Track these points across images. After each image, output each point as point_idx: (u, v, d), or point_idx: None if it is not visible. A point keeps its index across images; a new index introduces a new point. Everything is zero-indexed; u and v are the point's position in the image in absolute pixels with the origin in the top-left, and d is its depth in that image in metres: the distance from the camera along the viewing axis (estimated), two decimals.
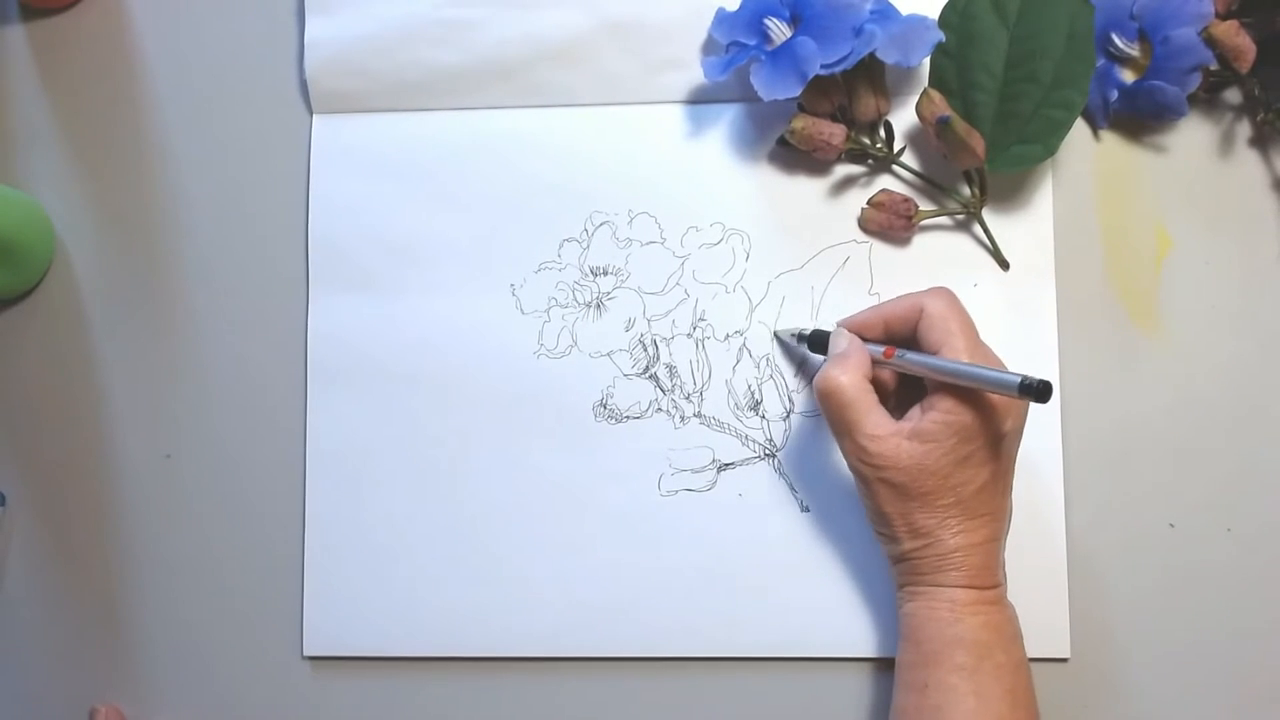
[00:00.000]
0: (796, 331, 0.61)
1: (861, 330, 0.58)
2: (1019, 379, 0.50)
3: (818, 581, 0.61)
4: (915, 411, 0.55)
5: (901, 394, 0.58)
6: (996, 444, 0.53)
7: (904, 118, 0.62)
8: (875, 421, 0.54)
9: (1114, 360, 0.61)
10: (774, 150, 0.63)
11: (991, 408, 0.53)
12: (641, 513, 0.62)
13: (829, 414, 0.56)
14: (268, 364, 0.64)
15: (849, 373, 0.55)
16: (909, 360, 0.55)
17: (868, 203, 0.62)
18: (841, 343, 0.58)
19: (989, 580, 0.54)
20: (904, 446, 0.53)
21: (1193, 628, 0.60)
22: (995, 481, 0.54)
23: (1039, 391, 0.50)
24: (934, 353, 0.54)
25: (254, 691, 0.63)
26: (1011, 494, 0.56)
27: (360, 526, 0.63)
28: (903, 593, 0.56)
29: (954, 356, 0.54)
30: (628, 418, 0.62)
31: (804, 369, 0.62)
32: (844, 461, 0.56)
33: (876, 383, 0.57)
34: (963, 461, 0.53)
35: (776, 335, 0.62)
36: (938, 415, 0.53)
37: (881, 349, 0.56)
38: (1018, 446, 0.55)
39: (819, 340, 0.60)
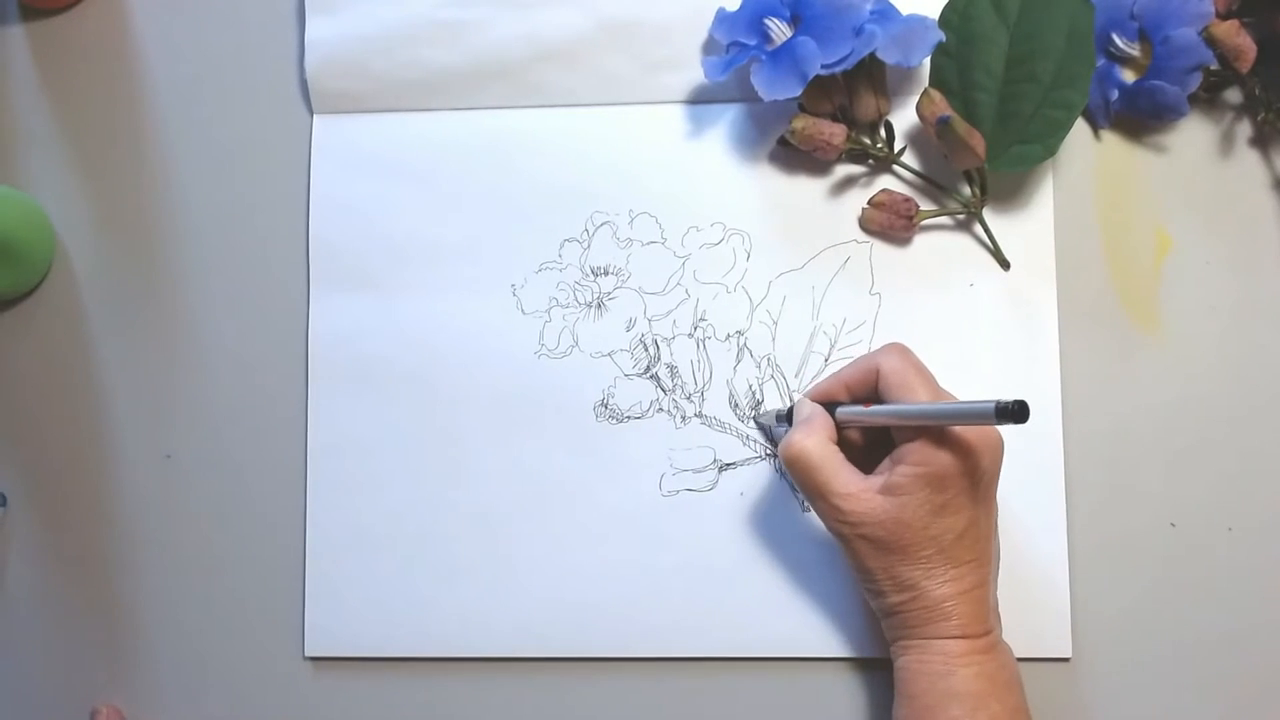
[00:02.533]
0: (774, 412, 0.61)
1: (827, 397, 0.58)
2: (994, 404, 0.48)
3: (819, 581, 0.61)
4: (885, 464, 0.54)
5: (870, 452, 0.57)
6: (972, 489, 0.53)
7: (904, 118, 0.62)
8: (845, 480, 0.54)
9: (1114, 360, 0.61)
10: (774, 150, 0.63)
11: (964, 450, 0.52)
12: (642, 513, 0.62)
13: (799, 479, 0.55)
14: (268, 364, 0.64)
15: (812, 435, 0.55)
16: (880, 413, 0.54)
17: (868, 203, 0.62)
18: (805, 410, 0.57)
19: (980, 628, 0.54)
20: (877, 501, 0.53)
21: (1194, 627, 0.60)
22: (975, 526, 0.53)
23: (1015, 413, 0.48)
24: None
25: (255, 692, 0.63)
26: (997, 536, 0.56)
27: (361, 527, 0.63)
28: (895, 647, 0.56)
29: None
30: (629, 418, 0.62)
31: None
32: None
33: (845, 444, 0.56)
34: (939, 510, 0.53)
35: (756, 421, 0.62)
36: (907, 467, 0.53)
37: (859, 407, 0.56)
38: (995, 488, 0.55)
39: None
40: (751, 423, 0.62)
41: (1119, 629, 0.60)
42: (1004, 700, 0.53)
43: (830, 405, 0.57)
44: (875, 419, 0.55)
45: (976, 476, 0.53)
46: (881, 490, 0.53)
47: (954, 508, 0.53)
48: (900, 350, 0.56)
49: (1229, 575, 0.60)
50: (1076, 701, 0.60)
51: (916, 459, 0.52)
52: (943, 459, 0.52)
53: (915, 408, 0.53)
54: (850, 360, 0.59)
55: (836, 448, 0.55)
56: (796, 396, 0.62)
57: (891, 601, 0.54)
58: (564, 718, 0.62)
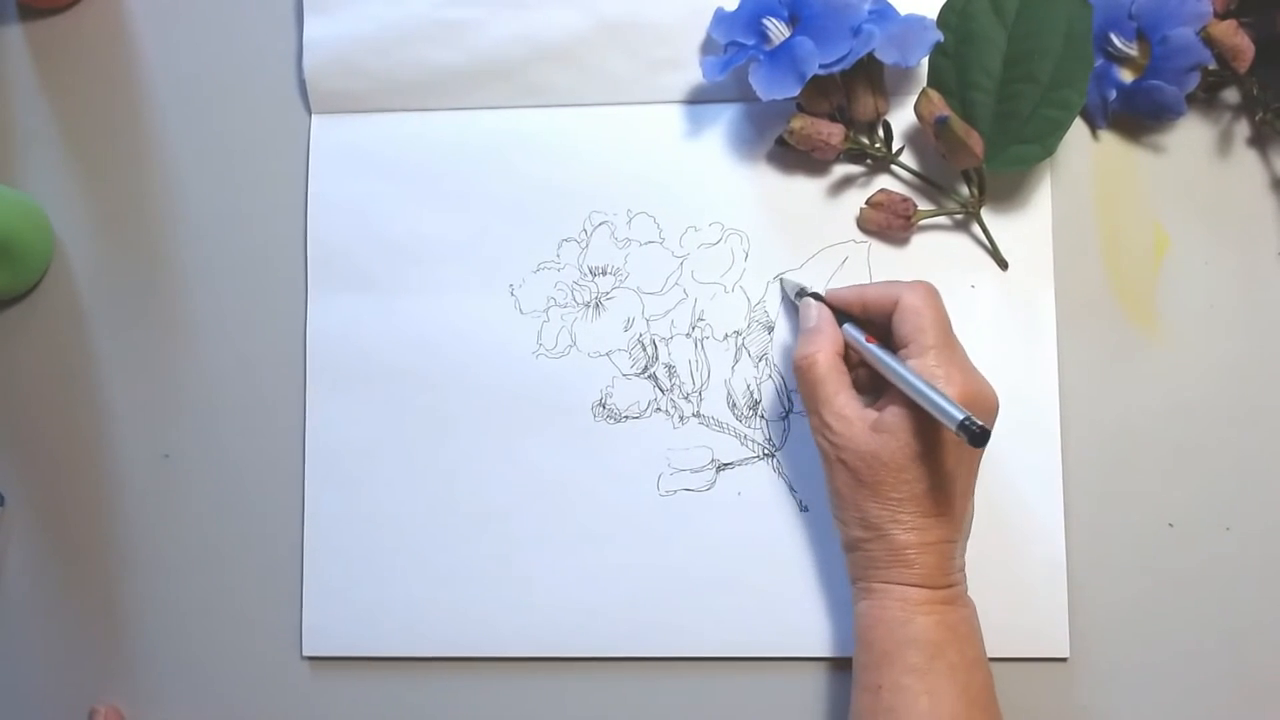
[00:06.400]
0: (799, 289, 0.61)
1: (840, 306, 0.58)
2: (961, 417, 0.49)
3: (817, 581, 0.61)
4: (883, 401, 0.55)
5: (873, 377, 0.58)
6: (955, 447, 0.53)
7: (903, 118, 0.62)
8: (844, 402, 0.55)
9: (1112, 359, 0.61)
10: (772, 150, 0.63)
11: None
12: (640, 512, 0.62)
13: (802, 388, 0.57)
14: (267, 364, 0.64)
15: (825, 350, 0.56)
16: (874, 354, 0.55)
17: (866, 202, 0.62)
18: (811, 314, 0.58)
19: (942, 580, 0.54)
20: (865, 433, 0.54)
21: (1192, 627, 0.60)
22: (950, 483, 0.54)
23: (974, 435, 0.48)
24: (903, 346, 0.55)
25: (253, 692, 0.63)
26: (972, 500, 0.56)
27: (359, 526, 0.63)
28: (856, 589, 0.56)
29: (920, 353, 0.54)
30: (627, 418, 0.62)
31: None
32: None
33: (850, 364, 0.58)
34: (917, 458, 0.53)
35: (781, 281, 0.62)
36: (898, 409, 0.53)
37: (861, 337, 0.56)
38: (979, 457, 0.55)
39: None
40: (749, 419, 0.62)
41: (1117, 629, 0.60)
42: (963, 651, 0.53)
43: (839, 313, 0.58)
44: (868, 356, 0.56)
45: (957, 439, 0.53)
46: (872, 425, 0.54)
47: (932, 459, 0.53)
48: (926, 290, 0.56)
49: (1227, 575, 0.60)
50: (1074, 701, 0.60)
51: (908, 403, 0.53)
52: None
53: (902, 370, 0.53)
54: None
55: (844, 365, 0.57)
56: (796, 396, 0.62)
57: (855, 535, 0.55)
58: (561, 717, 0.62)
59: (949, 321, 0.56)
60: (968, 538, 0.56)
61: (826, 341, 0.57)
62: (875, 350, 0.55)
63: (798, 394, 0.62)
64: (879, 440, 0.53)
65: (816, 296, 0.60)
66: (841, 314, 0.58)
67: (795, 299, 0.61)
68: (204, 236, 0.65)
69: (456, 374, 0.63)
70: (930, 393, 0.51)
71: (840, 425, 0.55)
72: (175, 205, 0.65)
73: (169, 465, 0.64)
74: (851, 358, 0.58)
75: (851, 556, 0.56)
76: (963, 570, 0.56)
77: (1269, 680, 0.59)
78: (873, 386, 0.58)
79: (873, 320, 0.57)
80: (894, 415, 0.53)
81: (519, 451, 0.62)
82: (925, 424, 0.53)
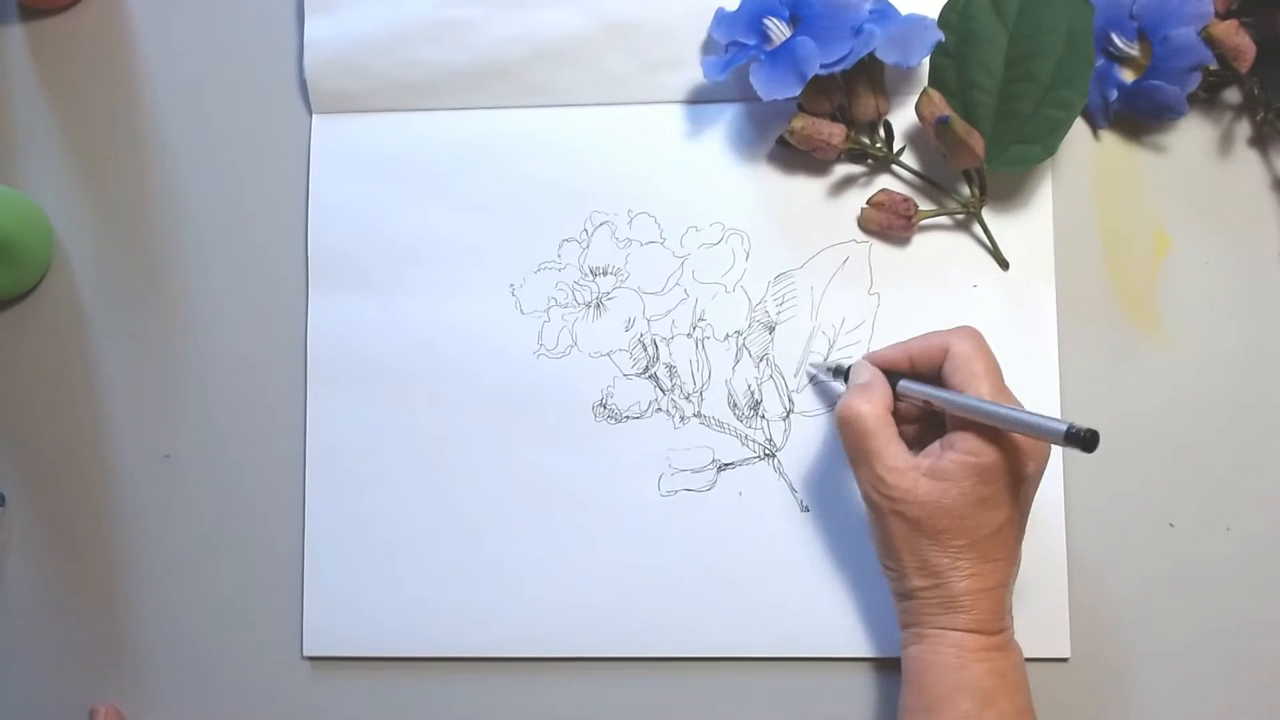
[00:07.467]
0: (830, 366, 0.61)
1: (888, 365, 0.57)
2: (1066, 426, 0.48)
3: (817, 581, 0.61)
4: (935, 448, 0.54)
5: (922, 432, 0.57)
6: (1016, 487, 0.53)
7: (903, 117, 0.62)
8: (894, 453, 0.54)
9: (1113, 360, 0.61)
10: (773, 150, 0.63)
11: (1014, 450, 0.52)
12: (641, 513, 0.62)
13: (848, 443, 0.55)
14: (267, 364, 0.64)
15: (871, 402, 0.55)
16: (946, 399, 0.54)
17: (867, 202, 0.62)
18: (864, 374, 0.57)
19: (996, 625, 0.54)
20: (922, 482, 0.53)
21: (1193, 627, 0.60)
22: (1011, 525, 0.53)
23: (1085, 441, 0.47)
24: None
25: (253, 692, 0.63)
26: (1023, 539, 0.55)
27: (360, 527, 0.63)
28: (906, 633, 0.55)
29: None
30: (627, 418, 0.62)
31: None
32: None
33: (898, 418, 0.56)
34: (981, 503, 0.52)
35: (808, 373, 0.62)
36: (957, 455, 0.53)
37: (924, 385, 0.55)
38: (1035, 491, 0.55)
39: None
40: (750, 419, 0.62)
41: (1117, 629, 0.60)
42: (1013, 699, 0.53)
43: (889, 374, 0.57)
44: (940, 402, 0.54)
45: (1021, 476, 0.53)
46: (927, 473, 0.53)
47: (995, 503, 0.53)
48: (974, 336, 0.55)
49: (1228, 575, 0.60)
50: (1075, 702, 0.60)
51: (967, 448, 0.52)
52: (992, 454, 0.52)
53: (984, 405, 0.52)
54: (889, 344, 0.59)
55: (891, 419, 0.55)
56: (797, 397, 0.62)
57: (912, 585, 0.54)
58: (561, 717, 0.62)
59: (999, 367, 0.55)
60: (1016, 577, 0.56)
61: (876, 395, 0.55)
62: (947, 394, 0.54)
63: (799, 395, 0.62)
64: (940, 488, 0.53)
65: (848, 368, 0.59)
66: (890, 374, 0.57)
67: (829, 375, 0.60)
68: (204, 237, 0.65)
69: (457, 374, 0.63)
70: (1022, 415, 0.50)
71: (894, 478, 0.53)
72: (175, 206, 0.65)
73: (169, 465, 0.64)
74: (899, 410, 0.57)
75: (904, 605, 0.55)
76: (1011, 614, 0.55)
77: (1269, 680, 0.59)
78: (919, 444, 0.56)
79: (921, 374, 0.57)
80: (953, 462, 0.52)
81: (519, 452, 0.62)
82: (986, 470, 0.52)
